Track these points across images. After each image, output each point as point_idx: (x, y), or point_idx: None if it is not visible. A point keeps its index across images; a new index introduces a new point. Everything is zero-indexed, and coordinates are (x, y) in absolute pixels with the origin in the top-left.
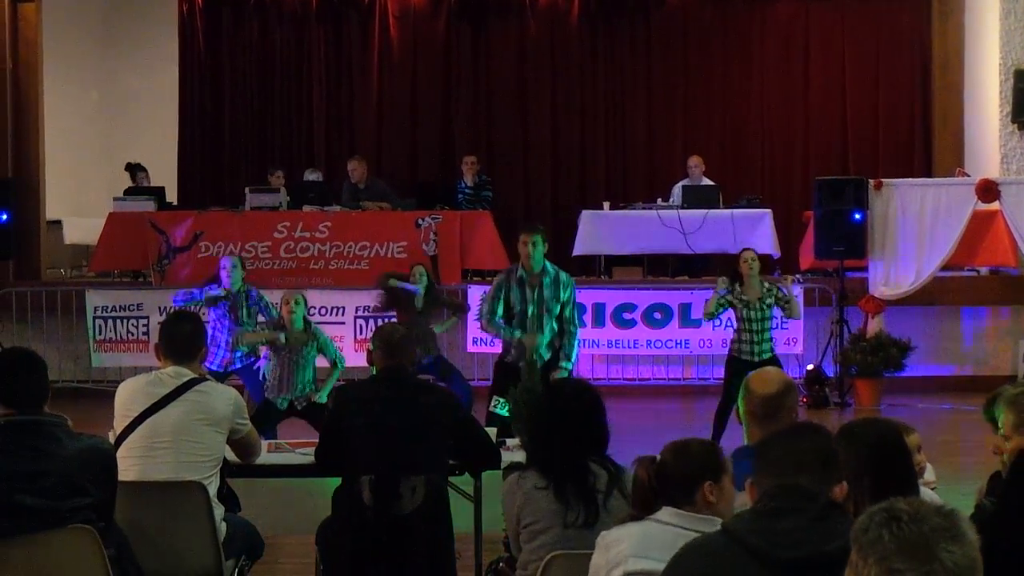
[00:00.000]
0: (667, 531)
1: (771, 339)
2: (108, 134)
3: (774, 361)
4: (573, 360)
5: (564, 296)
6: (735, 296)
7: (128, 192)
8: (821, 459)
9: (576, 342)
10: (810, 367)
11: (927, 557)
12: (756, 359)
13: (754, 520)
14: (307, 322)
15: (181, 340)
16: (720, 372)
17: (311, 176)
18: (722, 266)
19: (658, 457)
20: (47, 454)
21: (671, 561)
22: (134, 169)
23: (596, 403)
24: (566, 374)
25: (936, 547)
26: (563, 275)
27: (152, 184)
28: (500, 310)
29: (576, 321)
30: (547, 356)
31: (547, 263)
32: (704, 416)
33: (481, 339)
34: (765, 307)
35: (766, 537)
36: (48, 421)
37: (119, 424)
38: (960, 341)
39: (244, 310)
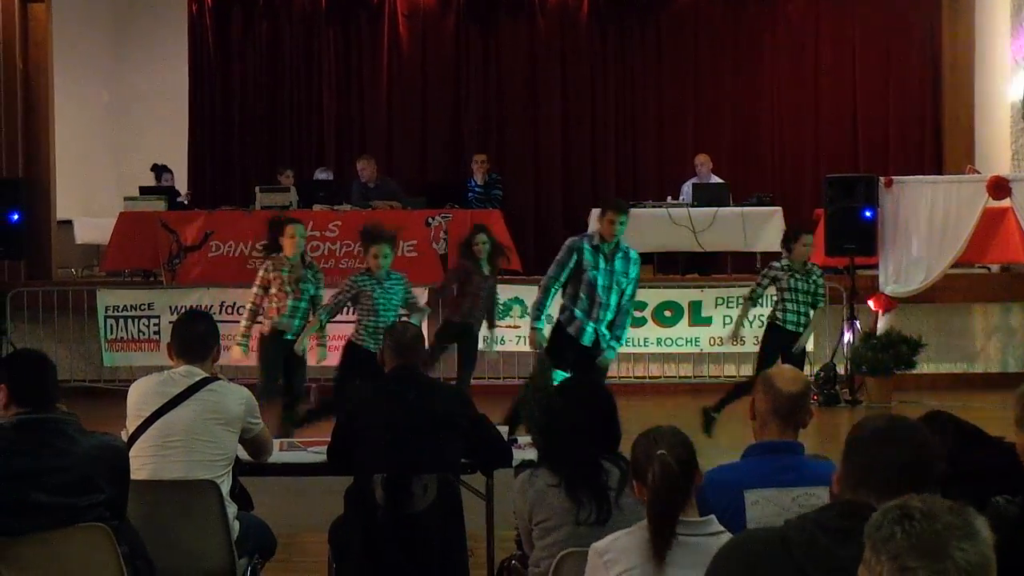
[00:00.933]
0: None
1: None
2: (118, 134)
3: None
4: (622, 342)
5: (633, 273)
6: (781, 267)
7: (143, 192)
8: (934, 478)
9: (629, 322)
10: (819, 370)
11: (940, 555)
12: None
13: (815, 535)
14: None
15: (193, 340)
16: (730, 370)
17: (321, 175)
18: (733, 264)
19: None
20: (61, 451)
21: (719, 553)
22: (160, 170)
23: (608, 401)
24: (613, 355)
25: (949, 545)
26: (633, 252)
27: (176, 185)
28: (565, 275)
29: (633, 301)
30: (608, 335)
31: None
32: (724, 412)
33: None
34: (810, 282)
35: (818, 559)
36: (60, 419)
37: (131, 424)
38: (971, 338)
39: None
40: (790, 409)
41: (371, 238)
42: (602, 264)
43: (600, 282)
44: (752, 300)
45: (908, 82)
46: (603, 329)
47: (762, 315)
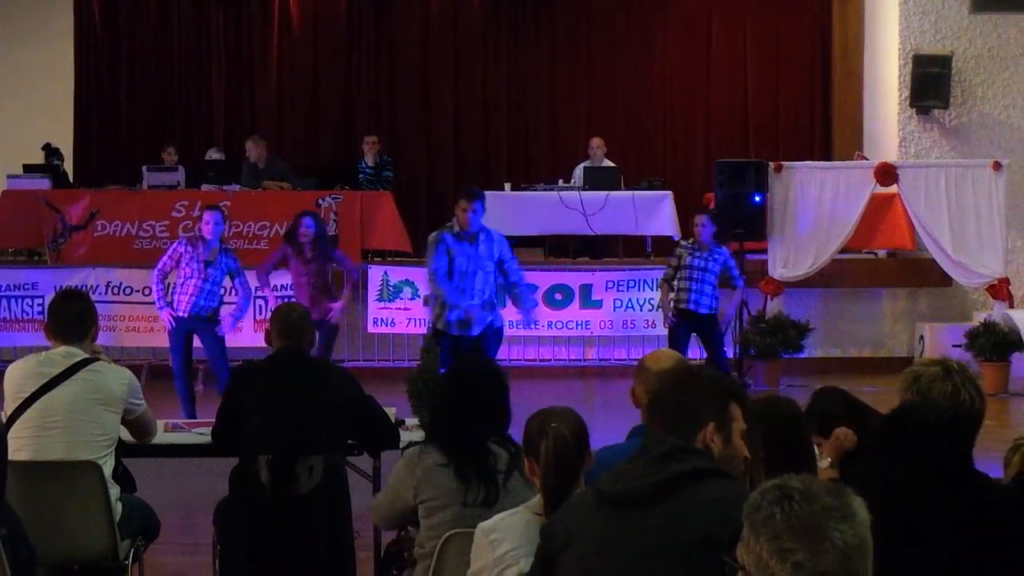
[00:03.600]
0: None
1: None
2: (1, 111)
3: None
4: (531, 314)
5: (500, 253)
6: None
7: (27, 170)
8: (685, 410)
9: (528, 294)
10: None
11: (818, 536)
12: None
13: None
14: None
15: (70, 319)
16: (620, 353)
17: (214, 155)
18: (625, 248)
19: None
20: None
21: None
22: (51, 154)
23: (499, 382)
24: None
25: (826, 526)
26: (496, 233)
27: (64, 170)
28: (446, 263)
29: (520, 274)
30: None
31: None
32: (604, 397)
33: (382, 319)
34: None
35: (607, 477)
36: None
37: (9, 406)
38: (858, 323)
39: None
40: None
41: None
42: (467, 250)
43: (466, 268)
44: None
45: (798, 68)
46: (479, 311)
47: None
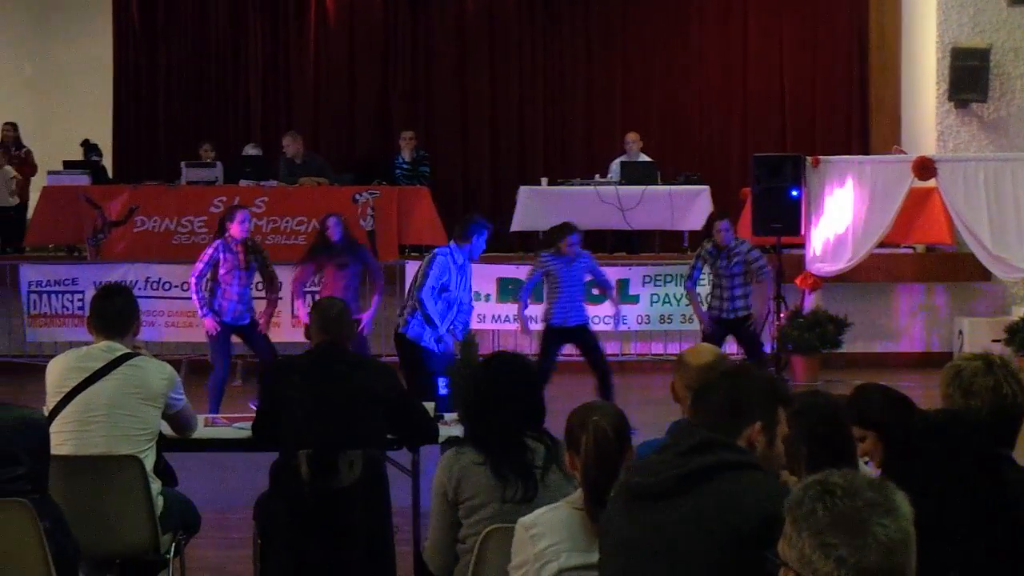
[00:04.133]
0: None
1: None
2: (41, 108)
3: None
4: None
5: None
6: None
7: (67, 166)
8: (734, 406)
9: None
10: None
11: (861, 531)
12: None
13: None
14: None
15: (111, 315)
16: (658, 348)
17: (251, 151)
18: (661, 243)
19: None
20: None
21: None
22: (90, 150)
23: (529, 377)
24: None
25: (869, 521)
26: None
27: (103, 165)
28: None
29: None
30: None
31: None
32: (642, 391)
33: None
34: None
35: (635, 469)
36: None
37: (51, 400)
38: (896, 318)
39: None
40: (702, 381)
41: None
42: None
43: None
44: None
45: (835, 62)
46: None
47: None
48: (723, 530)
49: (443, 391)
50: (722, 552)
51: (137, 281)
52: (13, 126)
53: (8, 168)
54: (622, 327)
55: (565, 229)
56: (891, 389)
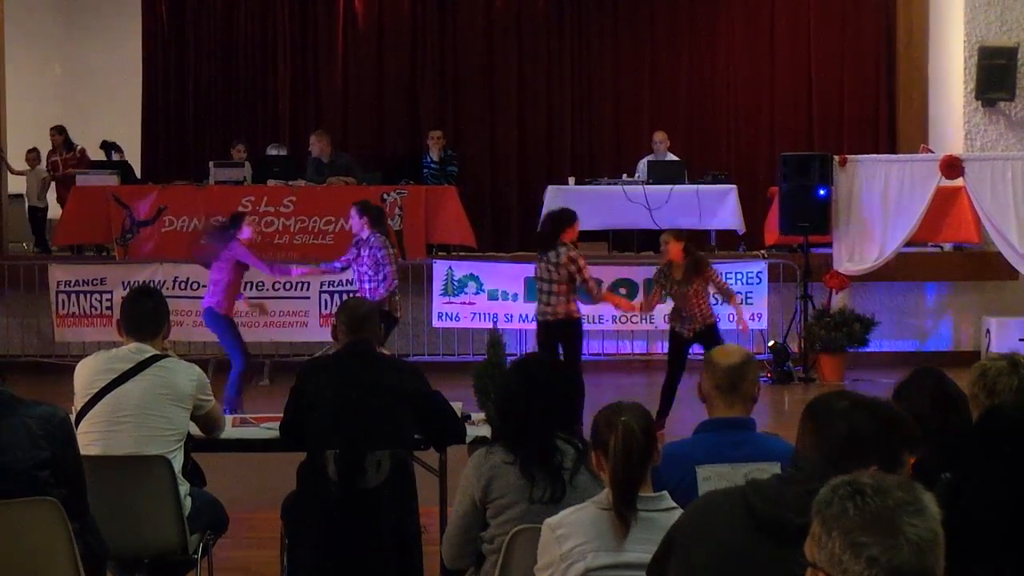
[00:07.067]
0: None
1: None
2: (71, 109)
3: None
4: None
5: None
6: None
7: (95, 166)
8: (842, 444)
9: None
10: (772, 343)
11: (892, 531)
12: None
13: (769, 481)
14: None
15: (142, 317)
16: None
17: (273, 151)
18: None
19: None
20: (3, 420)
21: (685, 511)
22: (109, 147)
23: (564, 379)
24: None
25: (900, 520)
26: None
27: (126, 160)
28: None
29: None
30: None
31: None
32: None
33: (447, 314)
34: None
35: (762, 496)
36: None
37: (79, 401)
38: (923, 317)
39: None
40: (731, 382)
41: None
42: None
43: None
44: None
45: (863, 61)
46: None
47: None
48: None
49: None
50: None
51: (165, 281)
52: (59, 129)
53: (40, 168)
54: (647, 326)
55: None
56: (944, 381)
